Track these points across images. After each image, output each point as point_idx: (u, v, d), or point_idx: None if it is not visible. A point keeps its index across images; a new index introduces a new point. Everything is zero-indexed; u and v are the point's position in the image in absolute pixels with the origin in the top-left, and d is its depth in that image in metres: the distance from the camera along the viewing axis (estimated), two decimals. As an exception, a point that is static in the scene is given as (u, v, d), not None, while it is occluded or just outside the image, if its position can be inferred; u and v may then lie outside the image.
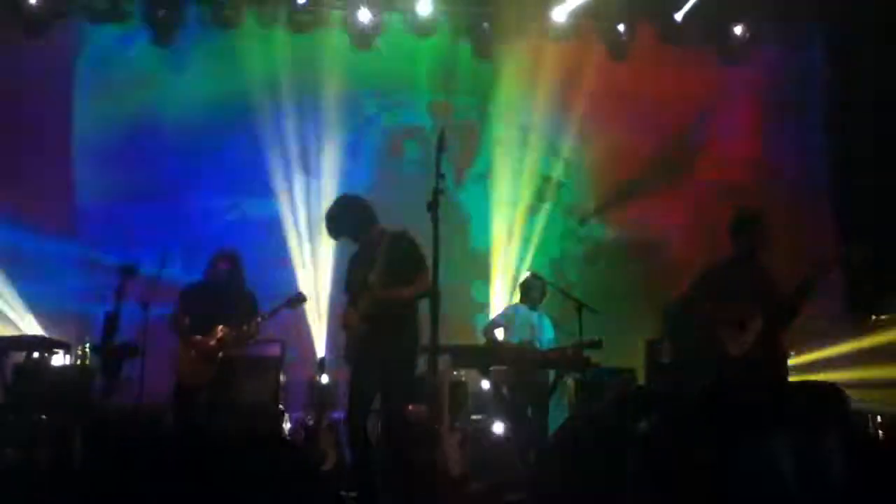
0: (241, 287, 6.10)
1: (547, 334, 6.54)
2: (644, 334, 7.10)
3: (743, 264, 5.37)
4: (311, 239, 7.80)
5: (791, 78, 8.29)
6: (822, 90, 8.32)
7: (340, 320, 4.97)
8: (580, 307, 6.27)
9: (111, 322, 5.62)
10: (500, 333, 6.58)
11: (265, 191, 7.81)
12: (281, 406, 6.77)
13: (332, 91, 7.87)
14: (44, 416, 5.43)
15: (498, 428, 6.15)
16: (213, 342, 5.89)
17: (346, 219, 4.93)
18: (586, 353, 6.25)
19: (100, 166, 7.58)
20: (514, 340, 6.41)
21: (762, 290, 5.32)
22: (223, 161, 7.73)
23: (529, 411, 6.23)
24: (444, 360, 6.14)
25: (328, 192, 7.62)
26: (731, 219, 5.39)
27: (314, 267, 7.75)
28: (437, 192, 4.41)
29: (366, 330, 4.71)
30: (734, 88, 8.30)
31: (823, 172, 8.29)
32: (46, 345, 6.17)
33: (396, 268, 4.70)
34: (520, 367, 6.23)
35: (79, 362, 6.37)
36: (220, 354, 5.91)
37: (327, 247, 7.62)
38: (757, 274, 5.36)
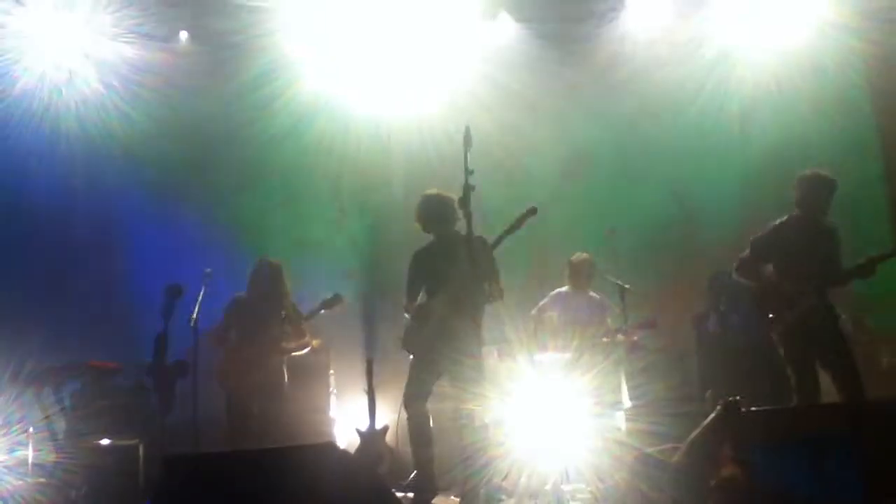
0: (284, 297, 6.17)
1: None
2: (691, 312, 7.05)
3: (807, 226, 5.27)
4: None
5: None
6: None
7: (414, 310, 5.27)
8: (622, 290, 6.21)
9: (161, 342, 5.71)
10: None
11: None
12: (332, 413, 6.85)
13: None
14: (106, 442, 5.54)
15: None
16: (259, 353, 5.97)
17: (428, 212, 5.25)
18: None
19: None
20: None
21: (824, 255, 5.22)
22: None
23: None
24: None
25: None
26: (801, 180, 5.31)
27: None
28: (467, 188, 4.44)
29: (448, 319, 4.97)
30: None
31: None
32: (101, 371, 6.30)
33: (483, 269, 4.87)
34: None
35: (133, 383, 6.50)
36: (268, 364, 5.99)
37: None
38: (823, 237, 5.25)
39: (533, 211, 5.25)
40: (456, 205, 4.74)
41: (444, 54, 7.79)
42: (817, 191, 5.34)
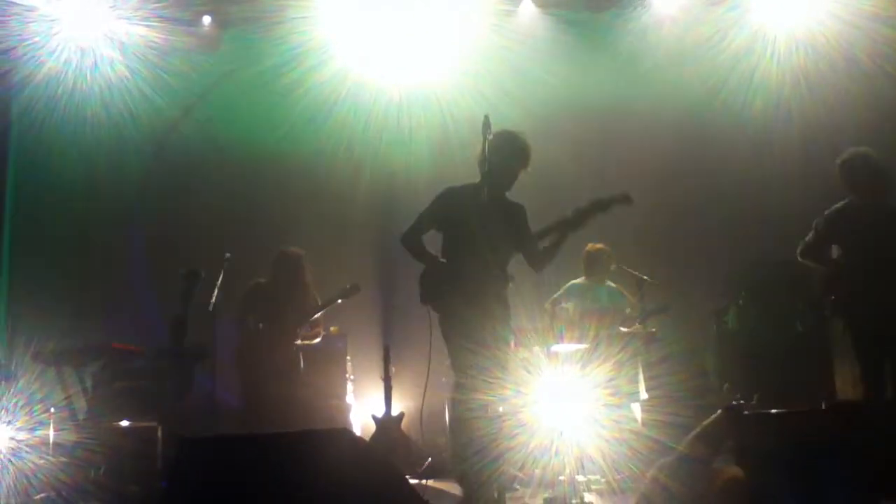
0: (305, 286, 6.20)
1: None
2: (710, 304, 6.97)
3: (873, 207, 5.17)
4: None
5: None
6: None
7: (434, 261, 4.62)
8: (641, 281, 6.16)
9: (179, 325, 5.75)
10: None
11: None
12: (348, 400, 6.88)
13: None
14: (126, 423, 5.60)
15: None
16: (276, 338, 6.02)
17: (509, 147, 4.61)
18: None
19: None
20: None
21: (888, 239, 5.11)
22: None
23: None
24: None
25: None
26: (862, 160, 5.22)
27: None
28: (486, 176, 4.40)
29: (478, 292, 4.42)
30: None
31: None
32: (122, 353, 6.37)
33: (522, 237, 4.64)
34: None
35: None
36: (284, 350, 6.04)
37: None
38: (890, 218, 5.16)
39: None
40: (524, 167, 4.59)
41: (467, 40, 7.76)
42: (863, 170, 5.20)
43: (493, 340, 4.43)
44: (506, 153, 4.57)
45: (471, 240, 4.46)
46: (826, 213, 5.32)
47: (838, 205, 5.29)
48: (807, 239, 5.40)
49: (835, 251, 5.33)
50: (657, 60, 7.71)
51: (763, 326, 6.83)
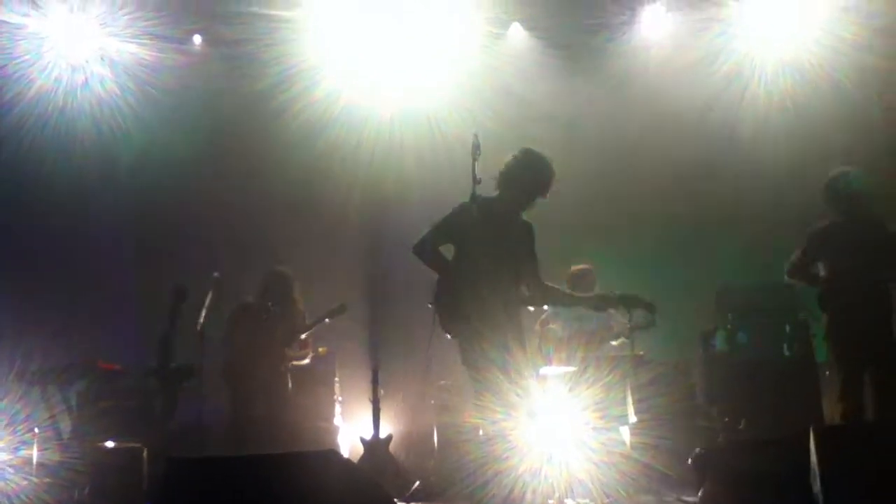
0: (293, 304, 6.19)
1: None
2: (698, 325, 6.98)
3: (854, 226, 5.22)
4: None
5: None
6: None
7: (453, 275, 4.38)
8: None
9: (166, 344, 5.73)
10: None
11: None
12: (336, 421, 6.84)
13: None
14: (111, 443, 5.54)
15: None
16: (263, 357, 5.99)
17: (530, 168, 4.46)
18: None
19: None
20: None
21: (886, 254, 5.16)
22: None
23: None
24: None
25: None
26: (827, 185, 5.29)
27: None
28: (474, 198, 4.38)
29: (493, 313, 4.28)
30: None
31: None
32: (107, 372, 6.32)
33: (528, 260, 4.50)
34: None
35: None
36: (275, 370, 6.01)
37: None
38: (879, 235, 5.21)
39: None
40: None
41: (456, 61, 7.82)
42: (845, 190, 5.26)
43: (516, 366, 4.30)
44: (529, 176, 4.48)
45: (488, 257, 4.30)
46: (809, 231, 5.38)
47: (822, 223, 5.35)
48: (792, 258, 5.46)
49: (820, 269, 5.38)
50: (647, 83, 7.79)
51: (751, 349, 6.86)
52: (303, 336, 6.18)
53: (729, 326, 6.87)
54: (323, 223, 7.88)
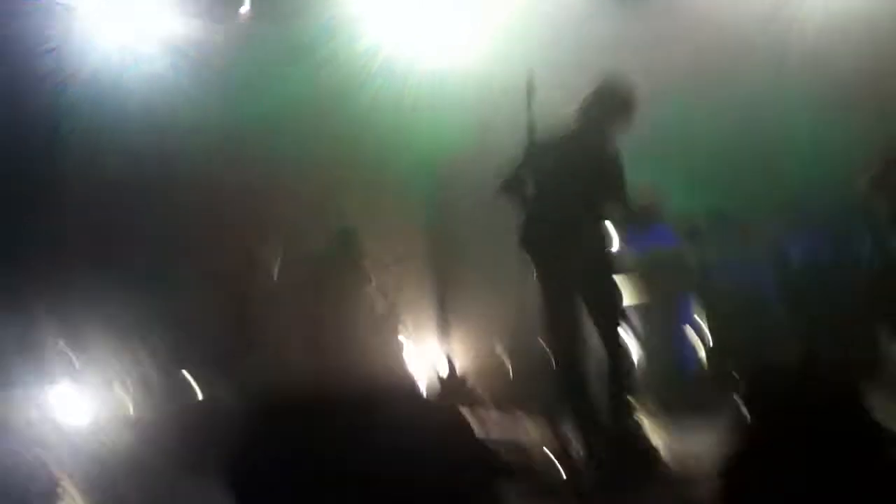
0: (361, 260, 6.33)
1: None
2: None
3: None
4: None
5: None
6: None
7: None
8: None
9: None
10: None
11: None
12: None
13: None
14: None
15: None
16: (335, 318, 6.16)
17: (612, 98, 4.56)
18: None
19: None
20: None
21: None
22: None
23: None
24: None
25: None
26: None
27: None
28: (532, 142, 4.39)
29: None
30: None
31: None
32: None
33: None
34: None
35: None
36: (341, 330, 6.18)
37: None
38: None
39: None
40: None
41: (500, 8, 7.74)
42: None
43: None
44: (609, 105, 4.51)
45: (567, 194, 4.36)
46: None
47: None
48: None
49: None
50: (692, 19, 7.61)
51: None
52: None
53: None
54: (374, 176, 7.92)
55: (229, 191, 7.95)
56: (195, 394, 5.69)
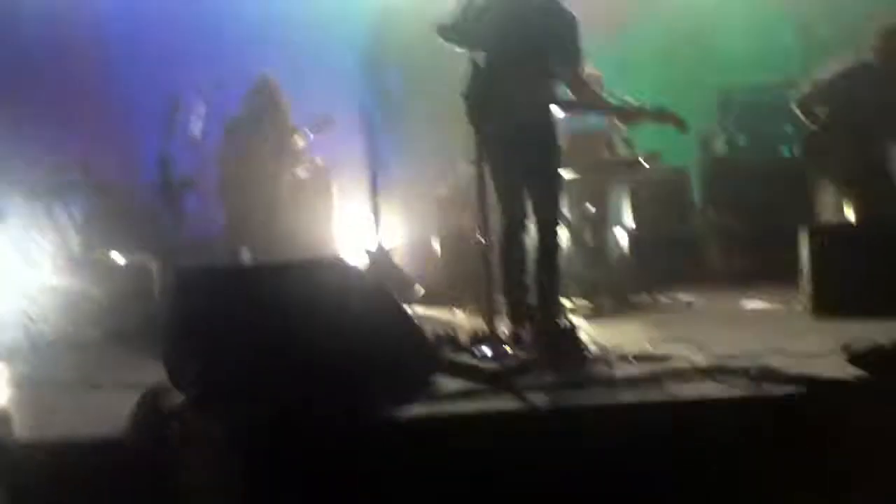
0: (282, 114, 6.08)
1: None
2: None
3: (878, 75, 5.13)
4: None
5: None
6: None
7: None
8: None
9: (165, 161, 5.68)
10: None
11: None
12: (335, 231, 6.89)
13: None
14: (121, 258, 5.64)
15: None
16: (257, 169, 5.99)
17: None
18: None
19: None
20: None
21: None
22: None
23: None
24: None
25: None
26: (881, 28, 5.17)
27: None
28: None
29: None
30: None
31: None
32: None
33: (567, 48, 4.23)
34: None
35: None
36: (267, 184, 6.02)
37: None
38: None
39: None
40: None
41: None
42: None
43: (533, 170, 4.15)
44: None
45: (515, 52, 4.03)
46: (829, 72, 5.28)
47: (843, 69, 5.21)
48: (807, 93, 5.41)
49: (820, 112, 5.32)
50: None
51: (751, 152, 6.83)
52: (296, 147, 6.10)
53: (730, 129, 6.81)
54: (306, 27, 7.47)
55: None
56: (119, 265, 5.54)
